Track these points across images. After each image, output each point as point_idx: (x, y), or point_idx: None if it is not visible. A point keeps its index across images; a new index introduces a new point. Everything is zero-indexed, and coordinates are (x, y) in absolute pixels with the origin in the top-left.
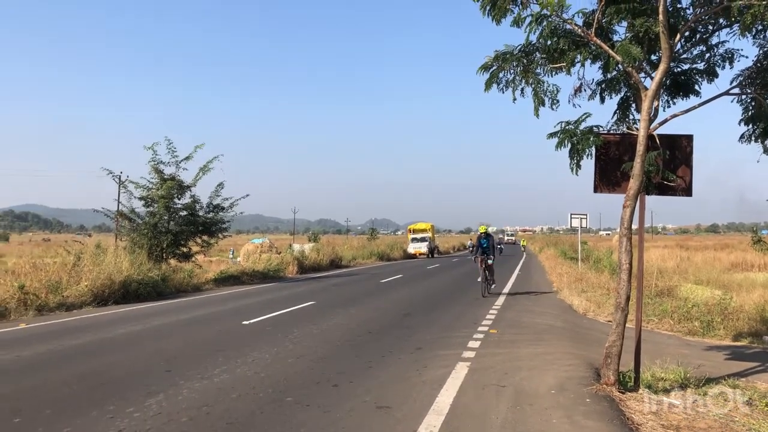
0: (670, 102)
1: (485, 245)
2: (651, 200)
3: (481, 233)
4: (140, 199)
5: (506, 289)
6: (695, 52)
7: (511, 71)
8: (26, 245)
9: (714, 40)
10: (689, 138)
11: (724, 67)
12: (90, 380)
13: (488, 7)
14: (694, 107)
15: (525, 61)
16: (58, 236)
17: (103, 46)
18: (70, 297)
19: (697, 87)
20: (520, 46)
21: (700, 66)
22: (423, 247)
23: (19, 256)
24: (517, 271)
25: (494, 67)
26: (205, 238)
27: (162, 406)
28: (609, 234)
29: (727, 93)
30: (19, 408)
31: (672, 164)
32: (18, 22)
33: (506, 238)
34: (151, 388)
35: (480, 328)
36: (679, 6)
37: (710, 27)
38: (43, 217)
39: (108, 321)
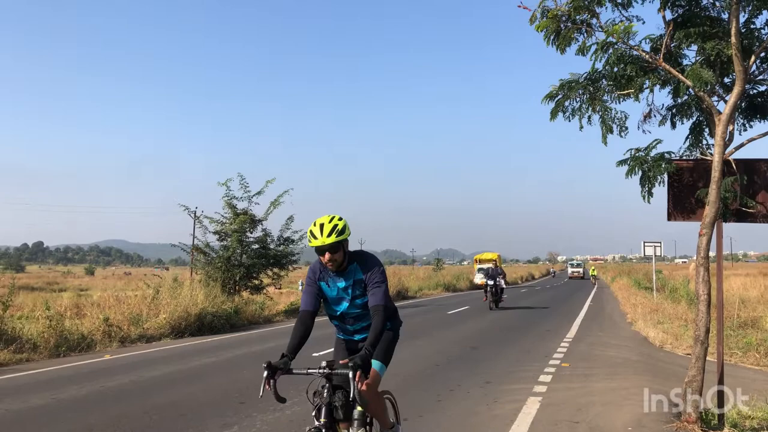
0: (747, 125)
1: (329, 291)
2: (730, 226)
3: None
4: (214, 233)
5: (574, 327)
6: None
7: (577, 99)
8: (109, 279)
9: None
10: None
11: None
12: (169, 411)
13: (552, 37)
14: None
15: (591, 88)
16: (138, 270)
17: (182, 90)
18: (150, 329)
19: None
20: (585, 74)
21: None
22: None
23: (104, 289)
24: (588, 302)
25: (560, 96)
26: (276, 270)
27: None
28: (685, 262)
29: None
30: None
31: (750, 190)
32: (105, 66)
33: (570, 270)
34: (226, 420)
35: (551, 362)
36: (752, 27)
37: None
38: (124, 252)
39: (185, 353)
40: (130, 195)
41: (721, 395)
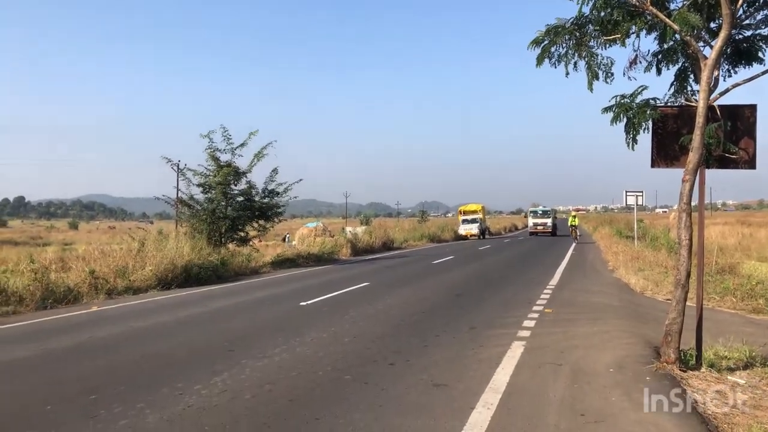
0: (732, 71)
1: None
2: (710, 176)
3: None
4: (198, 186)
5: (557, 274)
6: (759, 17)
7: (564, 45)
8: (94, 233)
9: None
10: (752, 108)
11: None
12: (159, 360)
13: None
14: (758, 75)
15: (577, 34)
16: (123, 224)
17: (157, 41)
18: (137, 281)
19: (760, 54)
20: (572, 19)
21: (765, 32)
22: (474, 229)
23: (88, 243)
24: (570, 252)
25: (546, 42)
26: (261, 222)
27: (227, 384)
28: (666, 211)
29: None
30: (95, 386)
31: (734, 136)
32: (87, 22)
33: (531, 221)
34: (215, 367)
35: (535, 308)
36: None
37: None
38: (108, 206)
39: (172, 304)
40: (113, 148)
41: (699, 337)
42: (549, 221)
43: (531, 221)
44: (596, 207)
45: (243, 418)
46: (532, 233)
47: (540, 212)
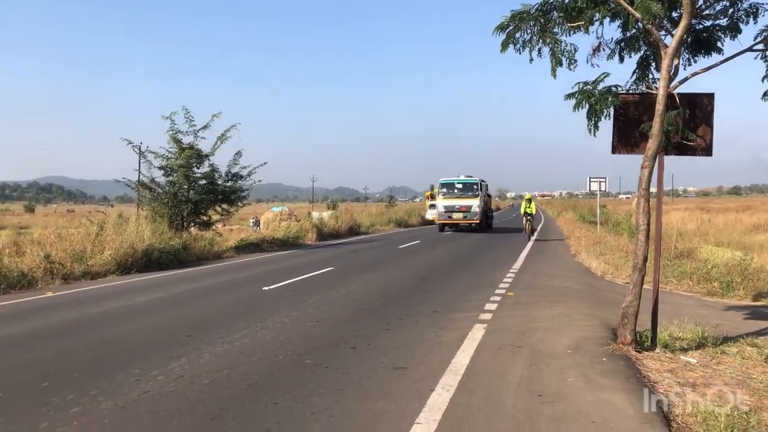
0: (691, 60)
1: None
2: (671, 163)
3: None
4: (160, 168)
5: (520, 259)
6: (718, 8)
7: (528, 31)
8: (51, 216)
9: None
10: (710, 96)
11: (747, 23)
12: (115, 345)
13: None
14: (716, 65)
15: (542, 20)
16: (82, 207)
17: (125, 13)
18: (95, 266)
19: (719, 44)
20: (537, 5)
21: (723, 22)
22: None
23: (45, 226)
24: (534, 237)
25: (511, 27)
26: (224, 206)
27: (185, 369)
28: (628, 197)
29: (750, 49)
30: (47, 372)
31: (692, 123)
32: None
33: (441, 205)
34: (173, 353)
35: (497, 291)
36: None
37: None
38: (66, 189)
39: (131, 288)
40: (72, 130)
41: (654, 319)
42: (475, 204)
43: (441, 204)
44: (561, 193)
45: (200, 404)
46: (443, 226)
47: (459, 187)
